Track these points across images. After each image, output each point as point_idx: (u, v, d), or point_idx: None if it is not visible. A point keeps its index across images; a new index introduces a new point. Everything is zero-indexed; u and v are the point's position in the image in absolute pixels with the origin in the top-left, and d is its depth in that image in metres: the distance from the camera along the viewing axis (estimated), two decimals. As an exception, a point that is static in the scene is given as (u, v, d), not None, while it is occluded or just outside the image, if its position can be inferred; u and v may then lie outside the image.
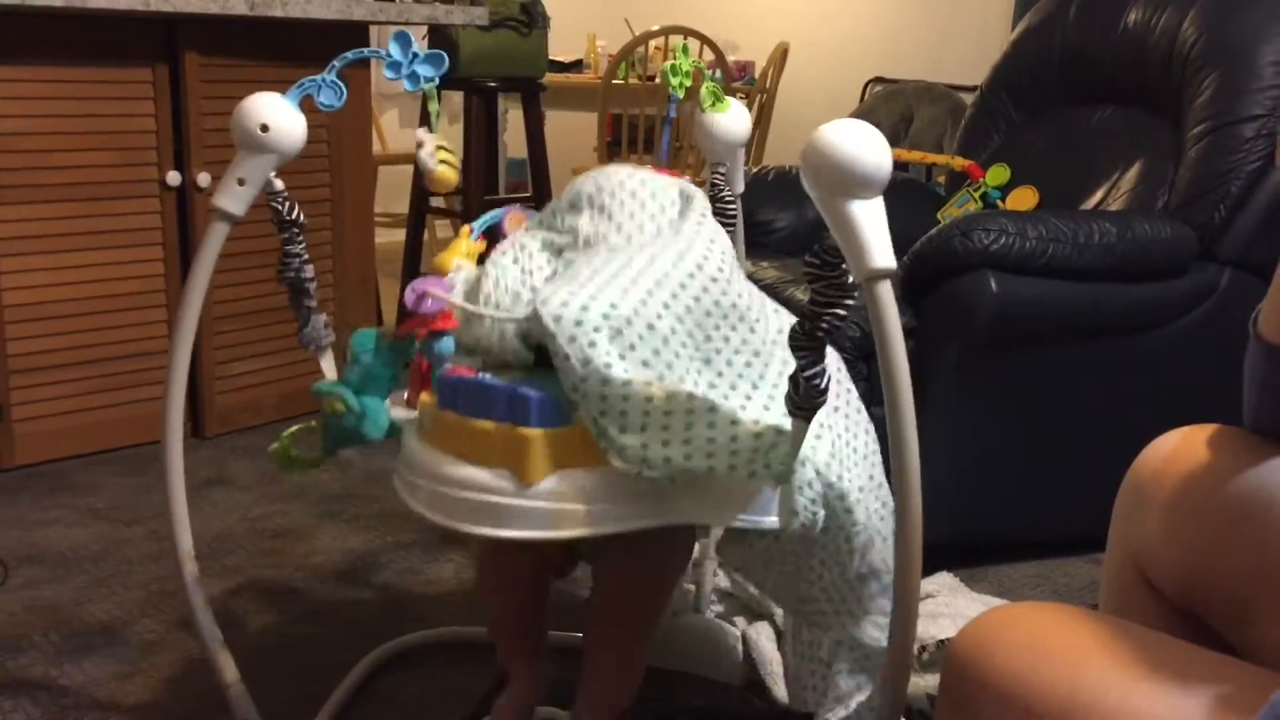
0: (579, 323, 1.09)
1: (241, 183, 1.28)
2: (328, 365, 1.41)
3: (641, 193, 1.32)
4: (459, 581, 2.02)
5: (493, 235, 1.46)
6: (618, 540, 1.16)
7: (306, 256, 1.36)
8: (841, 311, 1.01)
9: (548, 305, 1.11)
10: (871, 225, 0.98)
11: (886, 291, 0.99)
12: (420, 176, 3.42)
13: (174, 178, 2.55)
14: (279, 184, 1.32)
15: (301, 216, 1.35)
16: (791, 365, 1.07)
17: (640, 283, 1.14)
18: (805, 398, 1.06)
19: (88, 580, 2.00)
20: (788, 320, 1.29)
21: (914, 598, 1.09)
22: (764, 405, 1.17)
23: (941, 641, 1.66)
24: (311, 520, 2.26)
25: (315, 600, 1.95)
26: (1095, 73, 2.50)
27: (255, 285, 2.67)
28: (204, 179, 2.56)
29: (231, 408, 2.73)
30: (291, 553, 2.12)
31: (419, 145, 1.35)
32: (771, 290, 2.22)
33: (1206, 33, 2.24)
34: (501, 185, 4.20)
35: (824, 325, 1.01)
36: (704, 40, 4.02)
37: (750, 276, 1.71)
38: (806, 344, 1.03)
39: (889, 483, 1.17)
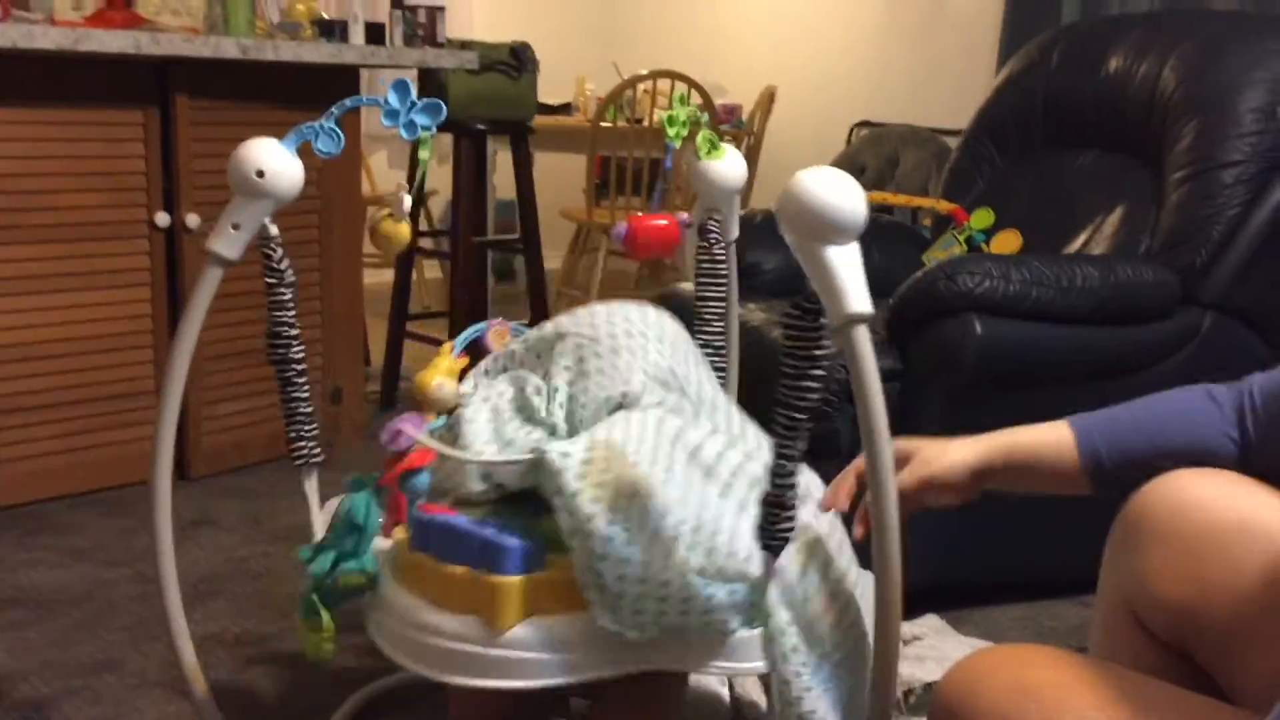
0: (581, 475, 1.11)
1: (236, 227, 1.28)
2: (311, 489, 1.40)
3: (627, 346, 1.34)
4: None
5: (474, 350, 1.48)
6: (609, 688, 1.16)
7: (297, 330, 1.35)
8: (814, 385, 1.02)
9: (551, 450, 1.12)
10: (847, 270, 0.99)
11: (863, 336, 1.00)
12: (411, 216, 3.44)
13: (163, 219, 2.55)
14: (274, 229, 1.32)
15: (290, 273, 1.34)
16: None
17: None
18: (773, 521, 1.07)
19: (71, 622, 1.99)
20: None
21: (894, 642, 1.09)
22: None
23: (928, 685, 1.65)
24: (296, 562, 2.24)
25: (299, 643, 1.94)
26: (1078, 118, 2.53)
27: (243, 326, 2.67)
28: (193, 220, 2.57)
29: (218, 448, 2.72)
30: (276, 594, 2.11)
31: (385, 206, 1.37)
32: (757, 332, 2.23)
33: (1187, 79, 2.27)
34: (490, 227, 4.20)
35: (798, 405, 1.02)
36: (691, 84, 4.06)
37: (739, 320, 1.72)
38: (787, 434, 1.03)
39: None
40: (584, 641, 1.10)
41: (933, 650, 1.78)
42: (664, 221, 1.53)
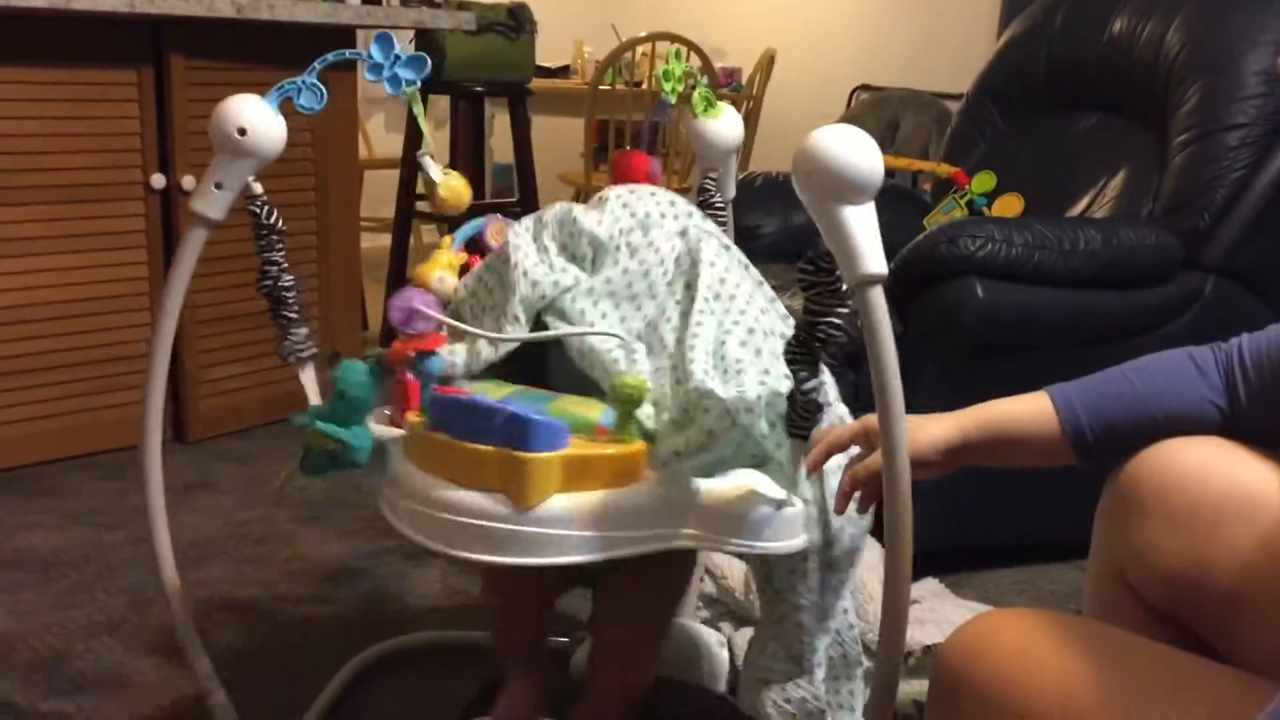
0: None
1: (219, 186, 1.25)
2: (308, 379, 1.38)
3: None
4: (443, 586, 2.01)
5: (473, 246, 1.46)
6: (619, 563, 1.15)
7: (285, 264, 1.34)
8: (836, 320, 1.01)
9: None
10: (864, 230, 0.98)
11: (878, 296, 0.99)
12: (408, 180, 3.42)
13: (158, 180, 2.54)
14: (258, 188, 1.30)
15: (280, 223, 1.33)
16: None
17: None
18: (803, 415, 1.07)
19: (68, 585, 1.99)
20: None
21: (904, 604, 1.09)
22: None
23: (928, 647, 1.66)
24: (294, 525, 2.25)
25: (298, 606, 1.94)
26: (1080, 81, 2.51)
27: (239, 289, 2.66)
28: (189, 182, 2.55)
29: (215, 412, 2.72)
30: (274, 558, 2.11)
31: (425, 169, 1.35)
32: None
33: (1191, 42, 2.25)
34: (488, 190, 4.19)
35: (820, 335, 1.02)
36: (691, 46, 4.02)
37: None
38: (802, 357, 1.03)
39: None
40: (612, 518, 1.09)
41: (932, 613, 1.79)
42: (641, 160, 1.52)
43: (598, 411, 1.19)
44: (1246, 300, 2.16)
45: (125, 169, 2.51)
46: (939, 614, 1.78)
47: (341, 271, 2.92)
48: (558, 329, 1.27)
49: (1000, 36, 2.81)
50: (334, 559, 2.12)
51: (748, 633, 1.74)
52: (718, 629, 1.77)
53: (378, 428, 1.23)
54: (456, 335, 1.30)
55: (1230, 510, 1.00)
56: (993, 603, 1.97)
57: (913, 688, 1.61)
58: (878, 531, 1.10)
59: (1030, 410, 1.17)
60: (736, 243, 1.55)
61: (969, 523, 2.09)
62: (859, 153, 0.97)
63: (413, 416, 1.19)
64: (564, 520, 1.07)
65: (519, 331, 1.28)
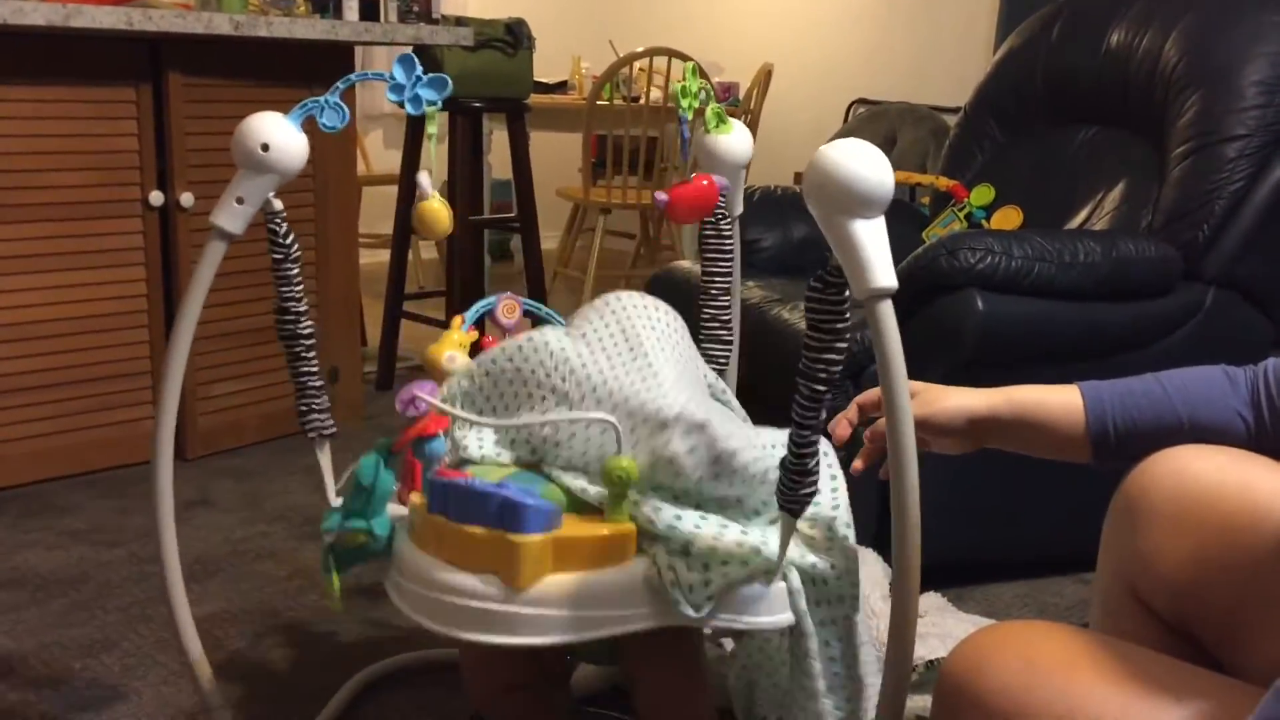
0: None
1: (240, 201, 1.27)
2: (324, 460, 1.39)
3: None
4: (444, 603, 2.00)
5: (484, 324, 1.48)
6: (640, 650, 1.16)
7: (305, 305, 1.35)
8: (836, 358, 1.01)
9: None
10: (873, 244, 0.98)
11: (888, 310, 0.99)
12: (407, 196, 3.42)
13: (156, 197, 2.54)
14: (278, 204, 1.32)
15: (295, 242, 1.34)
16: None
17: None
18: (794, 484, 1.07)
19: (68, 603, 1.98)
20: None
21: (911, 619, 1.09)
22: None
23: (931, 662, 1.65)
24: (294, 542, 2.24)
25: (298, 623, 1.94)
26: (1078, 93, 2.52)
27: (239, 305, 2.66)
28: (187, 199, 2.55)
29: (215, 429, 2.71)
30: (274, 575, 2.11)
31: (420, 188, 1.36)
32: (757, 309, 2.22)
33: (1189, 53, 2.25)
34: (486, 206, 4.19)
35: (820, 377, 1.01)
36: (696, 65, 4.03)
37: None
38: (807, 406, 1.03)
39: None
40: (602, 598, 1.11)
41: (935, 627, 1.78)
42: (704, 182, 1.52)
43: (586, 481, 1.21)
44: (1246, 312, 2.16)
45: (123, 186, 2.51)
46: (941, 628, 1.78)
47: (340, 288, 2.92)
48: (551, 414, 1.28)
49: (997, 50, 2.81)
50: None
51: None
52: (719, 645, 1.76)
53: (391, 508, 1.26)
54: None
55: (1239, 519, 1.00)
56: (995, 616, 1.96)
57: (916, 703, 1.60)
58: (879, 545, 1.10)
59: (1059, 400, 1.19)
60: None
61: (971, 536, 2.09)
62: (869, 166, 0.97)
63: (415, 497, 1.22)
64: (555, 600, 1.10)
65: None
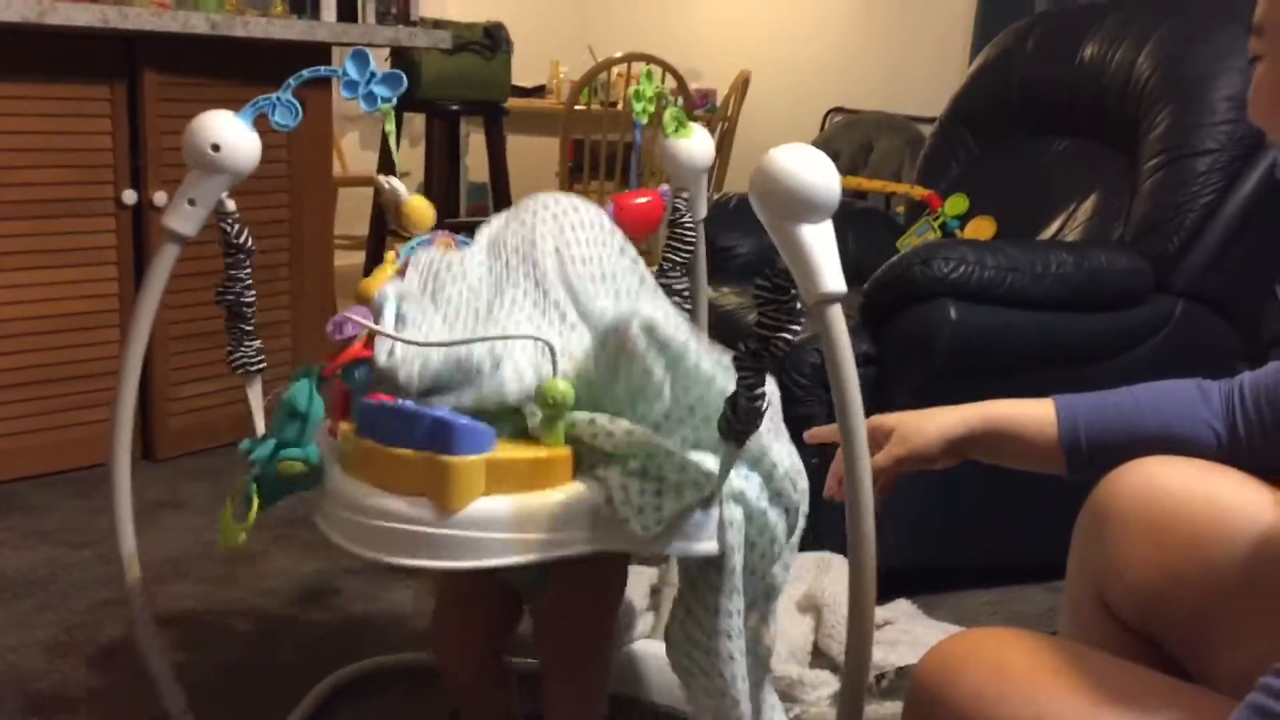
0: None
1: (193, 203, 1.24)
2: (254, 395, 1.38)
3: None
4: (415, 607, 2.00)
5: None
6: (553, 573, 1.14)
7: (250, 282, 1.33)
8: (789, 335, 1.01)
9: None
10: (821, 249, 0.98)
11: (837, 315, 0.99)
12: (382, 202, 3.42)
13: (130, 196, 2.52)
14: (231, 205, 1.29)
15: (250, 242, 1.32)
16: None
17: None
18: (742, 420, 1.06)
19: (35, 604, 1.96)
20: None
21: (868, 624, 1.09)
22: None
23: (901, 669, 1.66)
24: (265, 544, 2.23)
25: (268, 625, 1.92)
26: (1052, 105, 2.54)
27: (210, 306, 2.61)
28: (160, 198, 2.54)
29: (184, 430, 2.69)
30: (244, 577, 2.09)
31: (383, 187, 1.35)
32: (731, 317, 2.22)
33: (1162, 67, 2.27)
34: (463, 208, 4.19)
35: (773, 348, 1.01)
36: (666, 68, 4.04)
37: (711, 303, 1.71)
38: (751, 365, 1.03)
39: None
40: (536, 521, 1.09)
41: (905, 635, 1.79)
42: (646, 199, 1.51)
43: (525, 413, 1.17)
44: (1215, 324, 2.18)
45: (97, 184, 2.49)
46: (911, 635, 1.78)
47: (314, 288, 2.91)
48: (482, 334, 1.24)
49: (973, 61, 2.83)
50: (303, 578, 2.10)
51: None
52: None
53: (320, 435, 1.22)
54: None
55: (1206, 528, 1.01)
56: (965, 624, 1.97)
57: (886, 709, 1.60)
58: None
59: (1033, 414, 1.21)
60: (710, 263, 1.55)
61: (941, 544, 2.10)
62: (815, 172, 0.97)
63: (344, 426, 1.18)
64: (487, 523, 1.07)
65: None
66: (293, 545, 2.22)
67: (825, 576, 1.89)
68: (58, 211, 2.45)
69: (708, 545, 1.14)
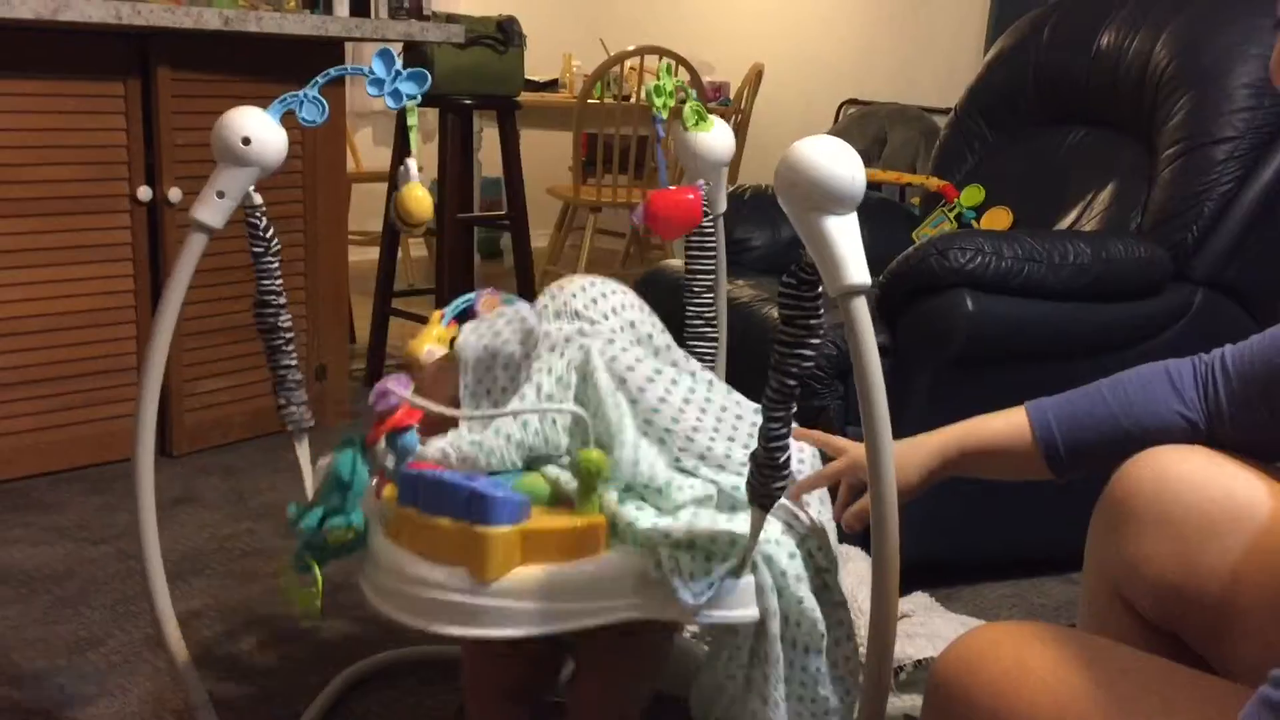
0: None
1: (221, 195, 1.27)
2: (303, 454, 1.39)
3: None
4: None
5: (465, 319, 1.46)
6: (593, 640, 1.15)
7: (284, 298, 1.34)
8: (808, 353, 1.01)
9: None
10: (846, 241, 0.98)
11: (862, 307, 0.99)
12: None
13: (145, 193, 2.52)
14: (258, 198, 1.31)
15: (275, 236, 1.34)
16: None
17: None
18: (765, 477, 1.06)
19: (52, 600, 1.97)
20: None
21: (891, 619, 1.08)
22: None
23: (919, 661, 1.65)
24: (280, 540, 2.23)
25: (284, 620, 1.93)
26: (1069, 95, 2.52)
27: (225, 302, 2.65)
28: (175, 194, 2.54)
29: (200, 426, 2.70)
30: (260, 572, 2.10)
31: (403, 171, 1.35)
32: (746, 308, 2.21)
33: (1179, 55, 2.26)
34: (476, 204, 4.18)
35: (793, 371, 1.01)
36: (679, 60, 4.03)
37: (727, 296, 1.70)
38: (780, 403, 1.03)
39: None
40: (571, 590, 1.11)
41: (923, 627, 1.78)
42: (689, 195, 1.50)
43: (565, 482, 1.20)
44: (1234, 313, 2.16)
45: (111, 181, 2.50)
46: (929, 628, 1.77)
47: (329, 285, 2.91)
48: (516, 405, 1.26)
49: (988, 51, 2.82)
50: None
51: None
52: (708, 644, 1.76)
53: (365, 502, 1.25)
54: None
55: (1222, 521, 1.00)
56: (983, 616, 1.96)
57: (905, 703, 1.60)
58: (867, 543, 1.10)
59: (1007, 426, 1.23)
60: (726, 256, 1.54)
61: (958, 536, 2.09)
62: (841, 163, 0.97)
63: (389, 491, 1.21)
64: (522, 593, 1.09)
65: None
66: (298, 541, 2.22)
67: (843, 569, 1.88)
68: (72, 208, 2.46)
69: (745, 612, 1.15)
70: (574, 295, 1.36)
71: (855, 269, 0.98)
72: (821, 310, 1.01)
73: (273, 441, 2.75)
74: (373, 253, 3.80)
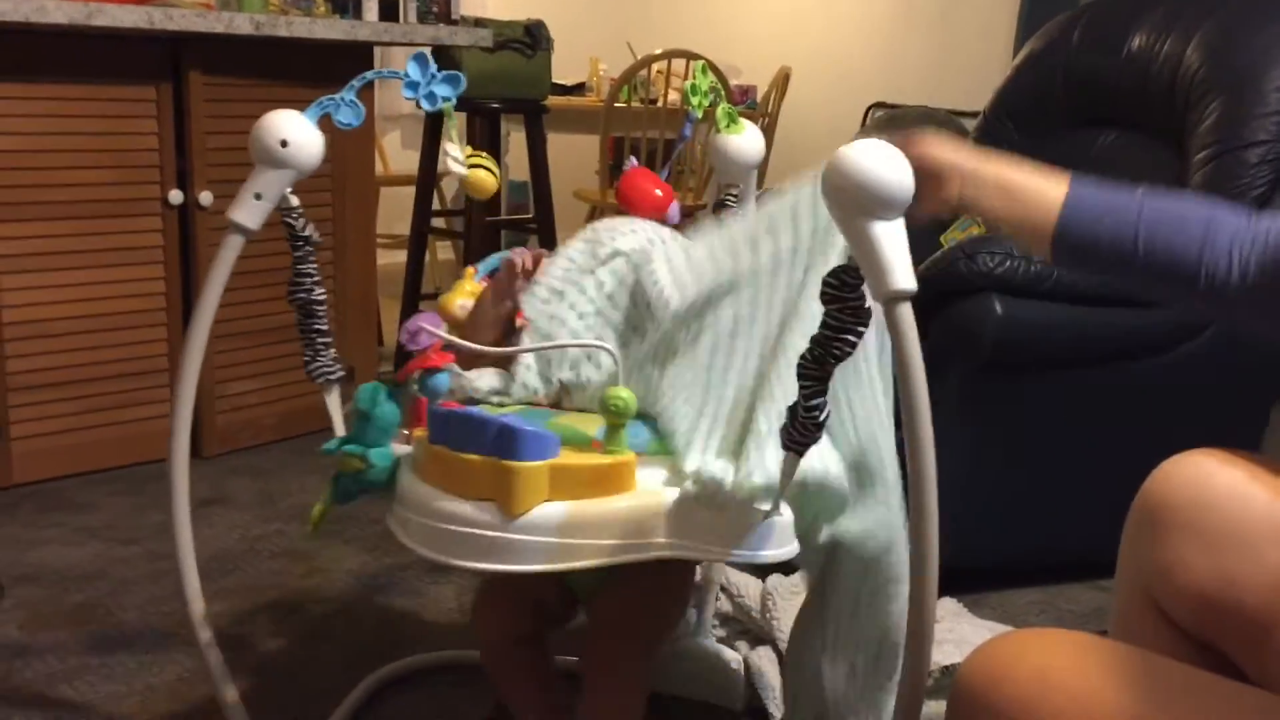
0: None
1: (258, 197, 1.28)
2: (333, 403, 1.40)
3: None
4: (459, 603, 2.00)
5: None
6: (613, 575, 1.15)
7: (319, 278, 1.36)
8: (854, 338, 1.01)
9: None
10: (893, 246, 0.98)
11: (907, 312, 0.99)
12: (424, 197, 3.43)
13: (176, 196, 2.54)
14: (294, 200, 1.33)
15: (315, 234, 1.35)
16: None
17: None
18: (802, 431, 1.05)
19: (84, 600, 1.99)
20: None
21: (929, 624, 1.08)
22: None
23: (946, 667, 1.64)
24: (310, 541, 2.24)
25: (314, 621, 1.94)
26: (1098, 97, 2.50)
27: (256, 304, 2.66)
28: (206, 198, 2.56)
29: (231, 427, 2.72)
30: (290, 573, 2.11)
31: (446, 155, 1.36)
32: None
33: (1211, 58, 2.24)
34: (504, 207, 4.20)
35: (835, 352, 1.01)
36: (706, 64, 4.03)
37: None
38: (815, 373, 1.03)
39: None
40: (600, 526, 1.11)
41: (950, 633, 1.77)
42: (660, 192, 1.51)
43: (595, 426, 1.19)
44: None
45: (143, 185, 2.52)
46: (957, 634, 1.77)
47: (357, 288, 2.93)
48: (551, 341, 1.29)
49: (1016, 54, 2.80)
50: (350, 574, 2.11)
51: (764, 651, 1.73)
52: (734, 648, 1.76)
53: (398, 447, 1.25)
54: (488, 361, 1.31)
55: (1261, 532, 0.99)
56: (1011, 622, 1.95)
57: (931, 708, 1.59)
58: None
59: (1046, 185, 1.16)
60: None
61: (987, 542, 2.08)
62: (889, 167, 0.97)
63: (419, 432, 1.21)
64: (550, 527, 1.09)
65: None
66: (338, 542, 2.23)
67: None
68: (104, 212, 2.48)
69: (785, 550, 1.15)
70: (617, 236, 1.38)
71: (902, 274, 0.98)
72: (866, 306, 1.00)
73: (303, 443, 2.76)
74: (400, 256, 3.82)
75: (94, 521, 2.31)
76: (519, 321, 1.34)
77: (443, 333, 1.25)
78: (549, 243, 3.56)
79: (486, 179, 1.38)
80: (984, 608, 2.01)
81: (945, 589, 1.96)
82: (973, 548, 2.05)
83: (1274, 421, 2.25)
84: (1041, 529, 2.12)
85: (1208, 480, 1.03)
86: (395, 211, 4.55)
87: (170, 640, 1.85)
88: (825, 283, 1.01)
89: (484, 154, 1.39)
